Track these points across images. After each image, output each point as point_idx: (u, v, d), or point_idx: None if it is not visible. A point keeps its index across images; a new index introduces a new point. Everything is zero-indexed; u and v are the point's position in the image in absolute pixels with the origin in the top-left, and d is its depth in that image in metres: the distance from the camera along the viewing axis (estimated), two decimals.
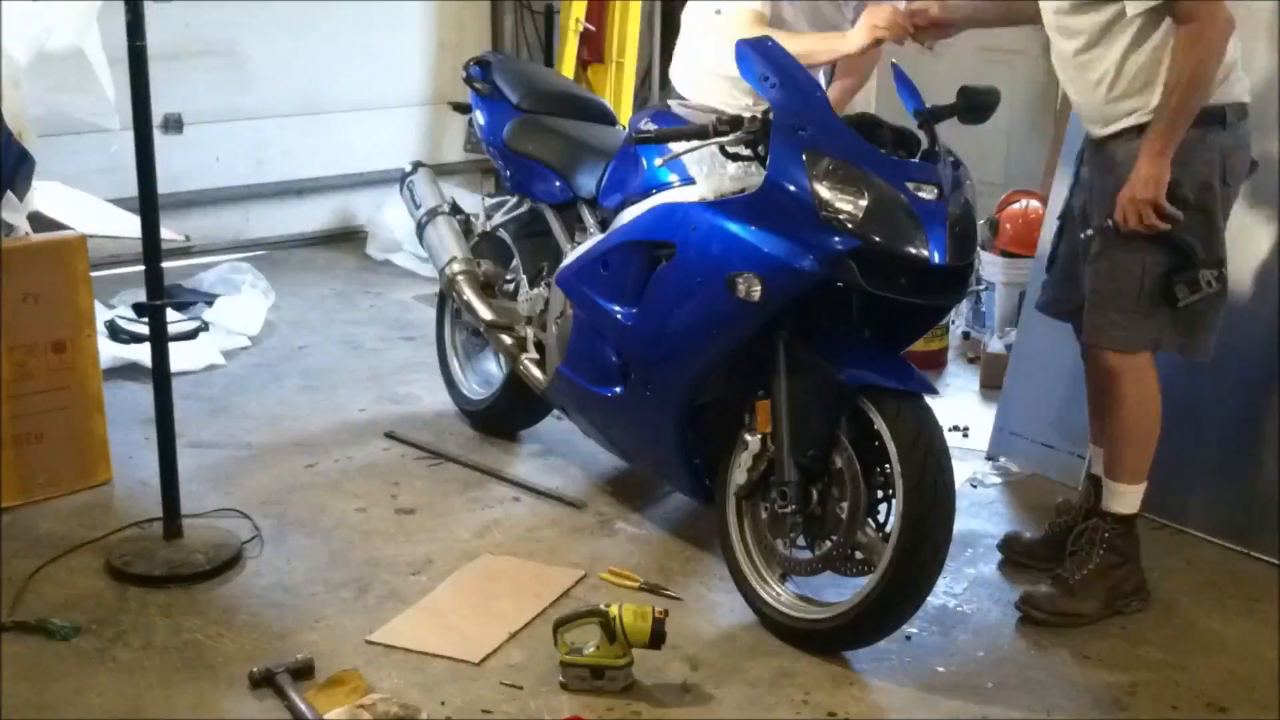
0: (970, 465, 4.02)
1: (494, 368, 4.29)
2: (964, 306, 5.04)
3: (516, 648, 3.02)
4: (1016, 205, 4.91)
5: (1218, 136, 3.05)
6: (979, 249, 4.61)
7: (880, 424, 2.90)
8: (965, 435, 4.25)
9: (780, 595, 3.11)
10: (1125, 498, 3.22)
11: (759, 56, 2.99)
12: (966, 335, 5.07)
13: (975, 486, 3.94)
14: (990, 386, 4.57)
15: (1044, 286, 3.48)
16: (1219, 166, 3.06)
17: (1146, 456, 3.21)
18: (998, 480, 3.97)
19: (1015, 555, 3.49)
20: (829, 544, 3.00)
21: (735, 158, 3.04)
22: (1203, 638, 3.15)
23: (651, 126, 3.18)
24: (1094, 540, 3.24)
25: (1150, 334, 3.12)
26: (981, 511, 3.78)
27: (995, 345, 4.69)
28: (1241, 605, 3.30)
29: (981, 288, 4.94)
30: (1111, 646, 3.11)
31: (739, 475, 3.12)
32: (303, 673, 2.87)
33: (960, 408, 4.47)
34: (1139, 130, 3.03)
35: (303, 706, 2.73)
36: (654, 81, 6.59)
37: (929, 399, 2.96)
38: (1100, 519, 3.25)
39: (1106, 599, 3.21)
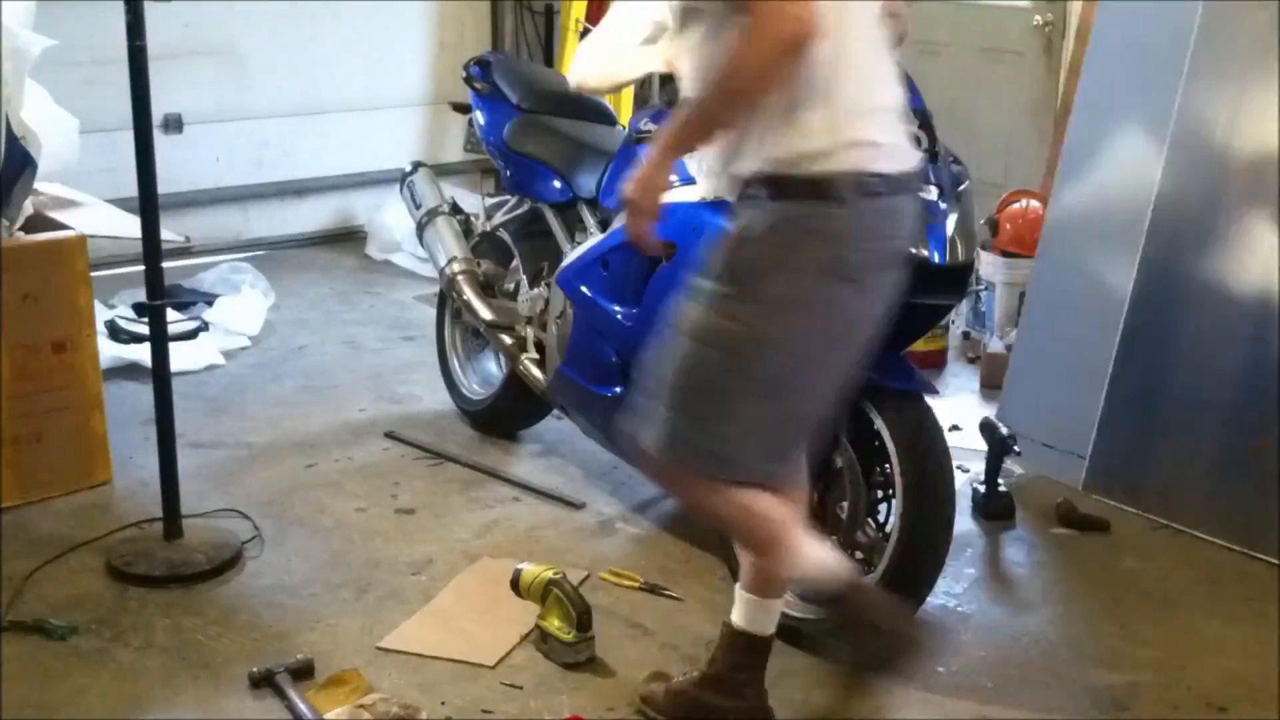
0: (970, 465, 4.01)
1: (494, 368, 4.28)
2: (964, 306, 5.04)
3: (517, 648, 3.02)
4: (1016, 205, 4.90)
5: (818, 217, 2.31)
6: (979, 249, 4.61)
7: (880, 424, 2.90)
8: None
9: None
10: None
11: None
12: (966, 335, 5.07)
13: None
14: (990, 386, 4.56)
15: None
16: (821, 257, 2.32)
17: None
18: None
19: None
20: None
21: None
22: (1203, 638, 3.15)
23: (651, 126, 3.18)
24: None
25: None
26: None
27: (995, 345, 4.69)
28: (1241, 605, 3.30)
29: (981, 288, 4.93)
30: (1111, 646, 3.10)
31: None
32: (303, 673, 2.87)
33: (960, 408, 4.47)
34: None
35: (303, 706, 2.73)
36: (654, 81, 6.57)
37: (929, 399, 2.96)
38: None
39: None
